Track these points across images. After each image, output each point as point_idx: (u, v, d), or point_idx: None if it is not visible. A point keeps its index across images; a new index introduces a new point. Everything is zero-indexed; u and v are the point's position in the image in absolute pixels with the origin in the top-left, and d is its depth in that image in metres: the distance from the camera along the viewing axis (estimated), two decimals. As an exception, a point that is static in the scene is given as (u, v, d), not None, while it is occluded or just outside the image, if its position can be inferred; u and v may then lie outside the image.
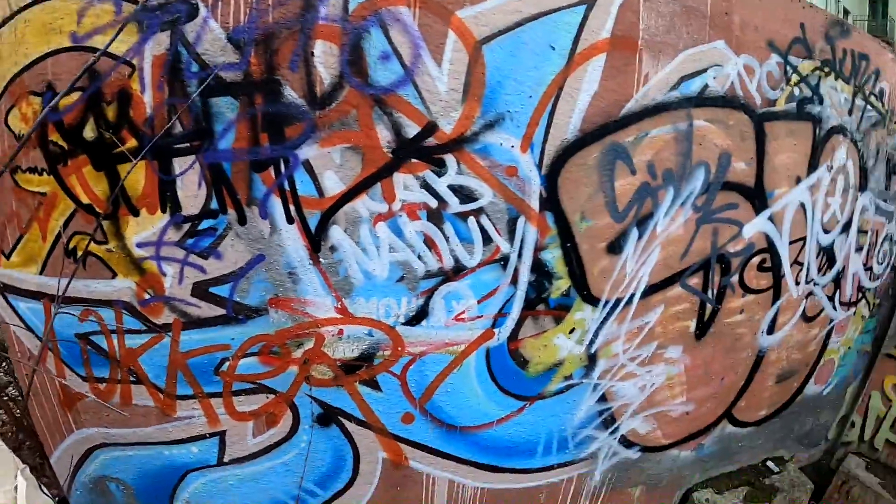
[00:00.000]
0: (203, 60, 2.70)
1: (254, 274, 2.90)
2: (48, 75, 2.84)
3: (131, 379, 3.14)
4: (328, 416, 3.20)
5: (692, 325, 3.48)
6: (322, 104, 2.72)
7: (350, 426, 3.23)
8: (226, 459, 3.33)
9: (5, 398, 4.33)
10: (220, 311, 2.95)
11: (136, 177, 2.80)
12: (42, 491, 2.67)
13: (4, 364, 5.10)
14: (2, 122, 2.98)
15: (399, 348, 3.06)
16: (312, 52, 2.69)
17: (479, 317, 3.07)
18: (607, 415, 3.44)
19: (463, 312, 3.05)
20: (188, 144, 2.76)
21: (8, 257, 3.14)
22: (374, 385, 3.14)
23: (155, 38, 2.70)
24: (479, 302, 3.05)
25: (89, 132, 2.81)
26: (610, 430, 3.49)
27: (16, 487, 2.43)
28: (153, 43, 2.71)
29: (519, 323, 3.14)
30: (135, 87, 2.75)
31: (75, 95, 2.80)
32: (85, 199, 2.89)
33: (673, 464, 3.71)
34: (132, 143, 2.77)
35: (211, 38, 2.68)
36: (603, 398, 3.41)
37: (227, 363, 3.06)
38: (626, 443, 3.59)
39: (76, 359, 3.17)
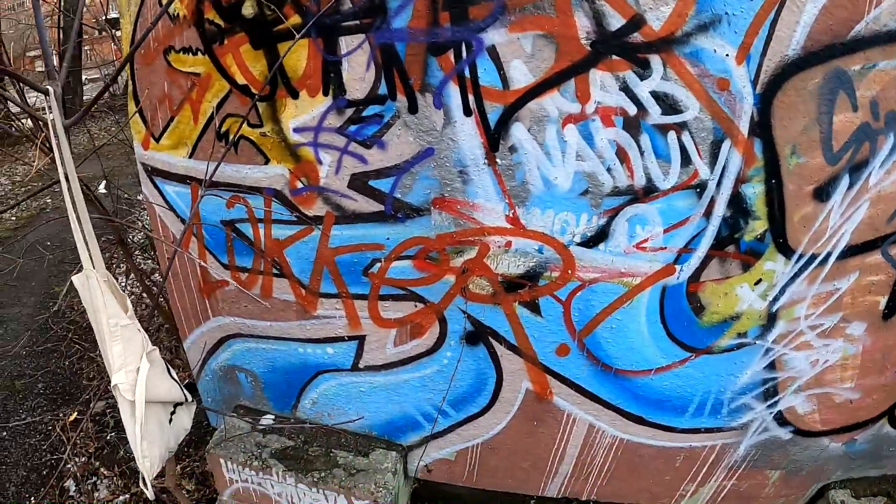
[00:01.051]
0: None
1: (420, 169, 2.60)
2: None
3: (274, 271, 2.99)
4: (478, 335, 2.96)
5: (882, 301, 2.91)
6: None
7: (499, 349, 2.98)
8: (361, 365, 3.18)
9: (149, 283, 4.37)
10: (378, 207, 2.70)
11: (298, 56, 2.51)
12: (170, 375, 2.55)
13: (153, 252, 5.17)
14: (156, 2, 2.74)
15: (569, 271, 2.73)
16: None
17: (662, 248, 2.67)
18: (771, 385, 2.99)
19: (646, 241, 2.66)
20: (357, 22, 2.43)
21: (158, 140, 2.98)
22: (534, 308, 2.84)
23: None
24: (665, 231, 2.64)
25: (248, 9, 2.53)
26: (769, 402, 3.05)
27: (138, 369, 2.30)
28: None
29: (704, 263, 2.71)
30: None
31: None
32: (241, 80, 2.64)
33: (819, 454, 3.25)
34: (295, 19, 2.47)
35: None
36: (772, 365, 2.96)
37: (378, 264, 2.83)
38: (781, 420, 3.13)
39: (220, 245, 3.04)
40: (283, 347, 3.25)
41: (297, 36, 2.39)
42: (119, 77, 2.95)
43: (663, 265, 2.69)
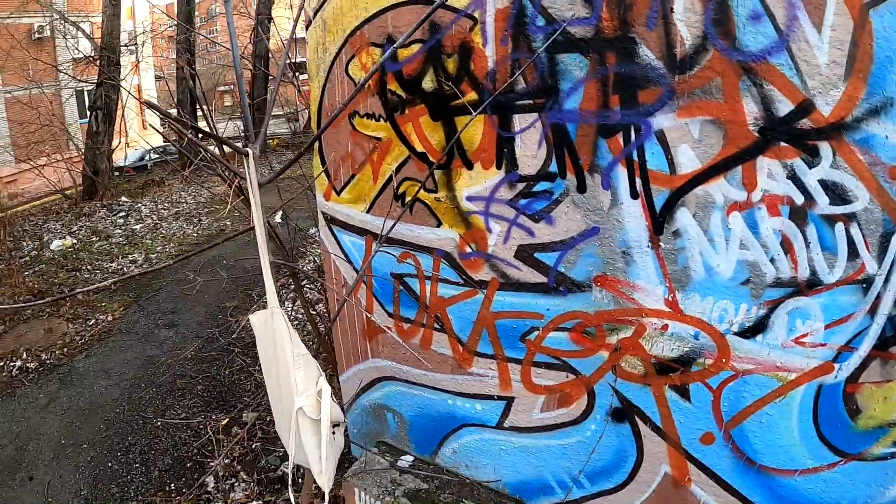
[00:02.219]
0: (550, 14, 2.45)
1: (584, 246, 2.65)
2: (388, 28, 2.82)
3: (436, 326, 3.11)
4: (624, 412, 2.92)
5: None
6: (682, 68, 2.33)
7: (643, 429, 2.92)
8: (506, 424, 3.22)
9: (314, 313, 4.65)
10: (541, 279, 2.76)
11: (474, 130, 2.67)
12: (334, 400, 2.71)
13: (319, 283, 5.52)
14: (343, 70, 3.04)
15: (723, 360, 2.65)
16: (672, 8, 2.30)
17: (822, 345, 2.52)
18: (924, 505, 2.74)
19: (805, 335, 2.53)
20: (531, 101, 2.54)
21: (339, 193, 3.24)
22: (683, 393, 2.78)
23: (499, -9, 2.52)
24: (826, 327, 2.49)
25: (428, 83, 2.75)
26: (919, 521, 2.79)
27: (319, 392, 2.46)
28: None
29: (864, 363, 2.51)
30: (476, 40, 2.60)
31: (415, 47, 2.75)
32: (419, 148, 2.86)
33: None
34: (472, 95, 2.64)
35: (559, -11, 2.43)
36: (928, 482, 2.72)
37: (536, 332, 2.89)
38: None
39: (387, 295, 3.21)
40: (433, 396, 3.36)
41: (475, 113, 2.54)
42: (299, 116, 3.28)
43: (821, 362, 2.52)
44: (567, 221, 2.64)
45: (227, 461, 5.01)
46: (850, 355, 2.49)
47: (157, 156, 22.34)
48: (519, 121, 2.58)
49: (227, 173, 4.22)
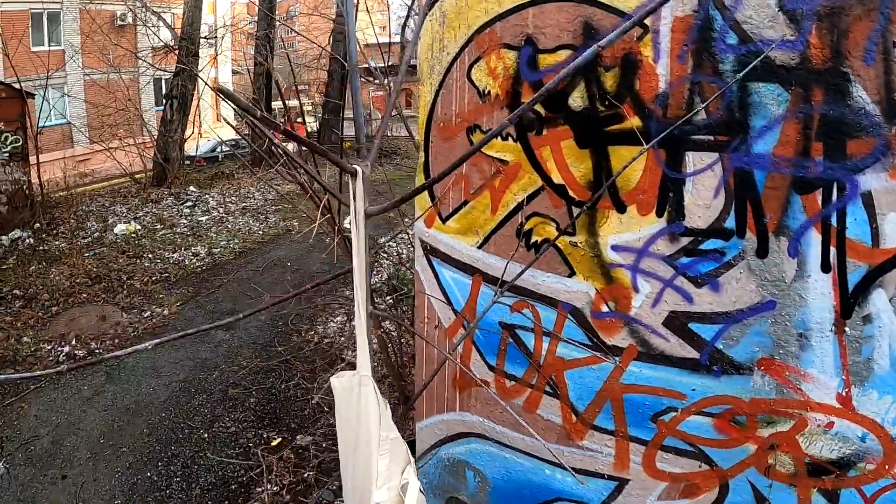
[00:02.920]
0: (744, 31, 1.96)
1: (753, 322, 2.16)
2: (528, 27, 2.33)
3: (547, 389, 2.64)
4: (758, 513, 2.43)
5: None
6: None
7: (781, 534, 2.42)
8: (611, 507, 2.74)
9: (382, 333, 4.24)
10: (692, 354, 2.27)
11: (634, 165, 2.17)
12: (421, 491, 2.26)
13: (387, 295, 5.14)
14: (464, 74, 2.57)
15: (886, 466, 2.17)
16: (895, 43, 1.82)
17: None
18: None
19: None
20: (711, 138, 2.06)
21: (444, 220, 2.76)
22: (832, 498, 2.28)
23: (678, -5, 2.03)
24: None
25: (577, 100, 2.25)
26: None
27: (405, 487, 2.01)
28: (675, 1, 2.04)
29: None
30: (645, 53, 2.11)
31: (563, 54, 2.26)
32: (557, 178, 2.35)
33: None
34: (633, 122, 2.15)
35: (756, 2, 1.94)
36: None
37: (672, 414, 2.40)
38: None
39: (490, 346, 2.76)
40: (527, 462, 2.90)
41: (646, 146, 2.05)
42: (370, 119, 2.83)
43: None
44: (737, 290, 2.15)
45: (275, 489, 4.63)
46: None
47: (228, 148, 22.53)
48: (693, 160, 2.09)
49: (303, 176, 3.86)
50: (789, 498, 2.35)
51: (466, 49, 2.55)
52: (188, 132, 15.63)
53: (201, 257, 9.79)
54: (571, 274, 2.41)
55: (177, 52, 15.80)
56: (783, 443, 2.26)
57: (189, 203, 13.13)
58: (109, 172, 17.58)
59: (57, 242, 10.21)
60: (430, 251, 2.86)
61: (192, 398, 5.90)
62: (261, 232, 11.16)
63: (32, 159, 10.76)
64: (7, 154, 9.95)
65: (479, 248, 2.64)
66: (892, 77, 1.85)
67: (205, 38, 18.15)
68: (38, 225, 10.71)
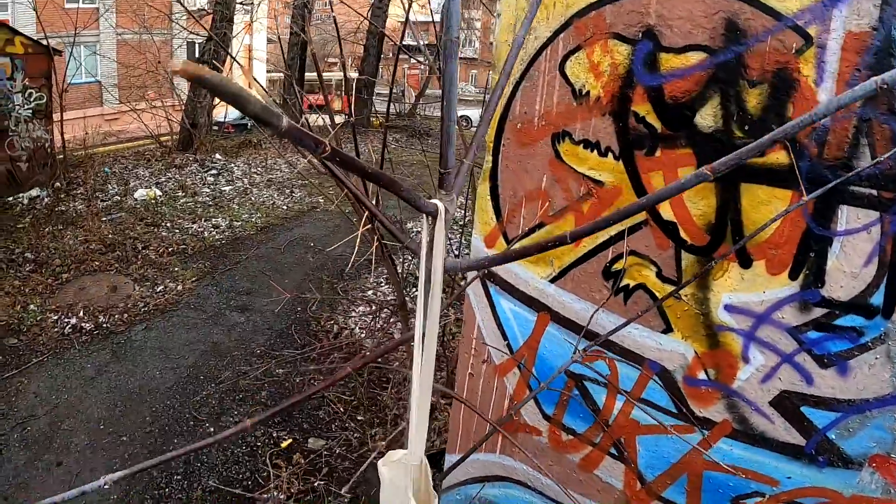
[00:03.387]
0: None
1: (877, 415, 1.77)
2: (649, 16, 1.89)
3: (611, 451, 2.27)
4: None
5: None
6: None
7: None
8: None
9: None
10: (798, 441, 1.89)
11: (768, 209, 1.77)
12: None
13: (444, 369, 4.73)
14: (555, 66, 2.14)
15: None
16: None
17: None
18: None
19: None
20: (874, 192, 1.64)
21: (510, 242, 2.36)
22: None
23: (854, 3, 1.60)
24: None
25: (707, 119, 1.83)
26: None
27: None
28: (849, 11, 1.61)
29: None
30: (805, 71, 1.67)
31: (694, 57, 1.82)
32: (668, 214, 1.94)
33: None
34: (780, 157, 1.74)
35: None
36: None
37: (758, 499, 2.02)
38: None
39: (549, 394, 2.38)
40: (573, 522, 2.55)
41: (803, 200, 1.65)
42: (403, 97, 2.37)
43: None
44: (867, 377, 1.76)
45: (281, 496, 4.30)
46: None
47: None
48: (847, 216, 1.69)
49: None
50: None
51: (562, 35, 2.12)
52: (218, 98, 15.28)
53: (221, 230, 9.45)
54: (667, 330, 2.01)
55: (211, 15, 15.44)
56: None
57: (213, 171, 12.81)
58: (135, 134, 17.30)
59: (75, 204, 9.91)
60: (488, 276, 2.48)
61: (201, 386, 5.56)
62: (285, 207, 10.80)
63: (57, 117, 10.47)
64: (30, 111, 9.67)
65: (552, 281, 2.25)
66: None
67: (241, 3, 17.79)
68: (57, 185, 10.43)
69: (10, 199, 9.60)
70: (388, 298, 7.06)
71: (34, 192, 9.93)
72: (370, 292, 7.45)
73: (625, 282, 2.04)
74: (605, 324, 2.10)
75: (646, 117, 1.94)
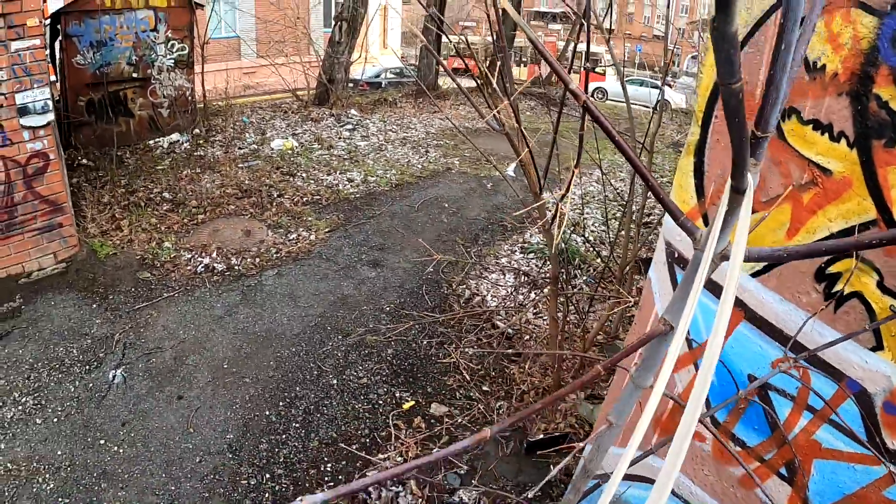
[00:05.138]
0: None
1: None
2: None
3: (781, 472, 2.10)
4: None
5: None
6: None
7: None
8: None
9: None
10: None
11: None
12: None
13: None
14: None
15: None
16: None
17: None
18: None
19: None
20: None
21: (708, 224, 2.18)
22: None
23: None
24: None
25: None
26: None
27: None
28: None
29: None
30: None
31: None
32: None
33: None
34: None
35: None
36: None
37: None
38: None
39: (722, 396, 2.22)
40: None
41: None
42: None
43: None
44: None
45: (399, 459, 4.33)
46: None
47: (393, 76, 22.48)
48: None
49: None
50: None
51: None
52: (355, 55, 15.48)
53: (356, 184, 9.58)
54: (877, 348, 1.81)
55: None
56: None
57: (349, 126, 12.99)
58: (273, 87, 17.82)
59: (213, 150, 10.28)
60: (677, 260, 2.32)
61: (327, 337, 5.67)
62: (420, 166, 10.82)
63: (198, 68, 10.92)
64: (172, 61, 10.12)
65: (755, 276, 2.07)
66: None
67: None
68: (196, 131, 10.85)
69: (151, 142, 10.10)
70: (524, 268, 6.96)
71: (174, 137, 10.38)
72: (504, 259, 7.37)
73: (839, 287, 1.85)
74: (807, 330, 1.91)
75: (889, 102, 1.69)
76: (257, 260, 6.96)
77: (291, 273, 6.76)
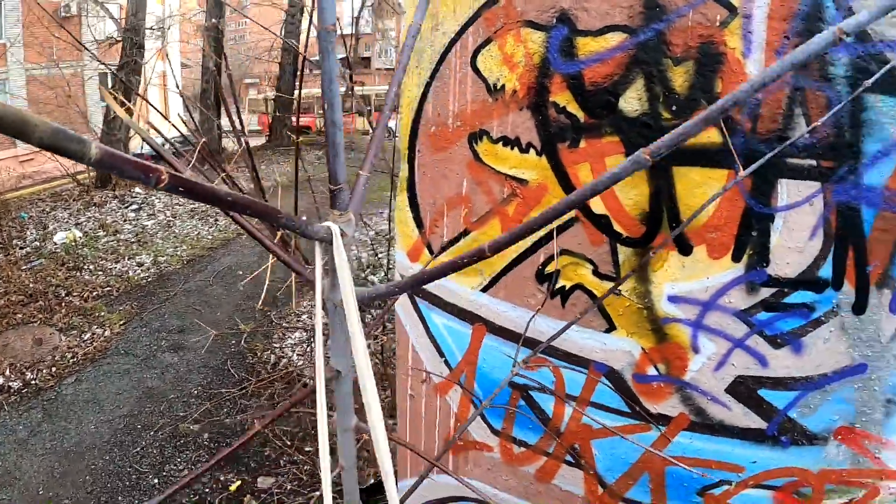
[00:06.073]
0: (865, 30, 1.45)
1: (837, 388, 1.70)
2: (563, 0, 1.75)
3: (567, 459, 2.13)
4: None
5: None
6: None
7: None
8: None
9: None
10: (759, 424, 1.79)
11: (706, 194, 1.66)
12: None
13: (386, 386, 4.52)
14: (466, 62, 1.98)
15: None
16: None
17: None
18: None
19: None
20: (813, 163, 1.56)
21: (435, 254, 2.20)
22: None
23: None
24: None
25: (633, 102, 1.70)
26: None
27: None
28: None
29: None
30: (731, 44, 1.57)
31: (614, 38, 1.69)
32: (598, 208, 1.81)
33: None
34: (712, 136, 1.63)
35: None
36: None
37: (725, 487, 1.92)
38: None
39: (494, 408, 2.23)
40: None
41: (741, 175, 1.54)
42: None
43: None
44: (823, 352, 1.67)
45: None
46: None
47: (179, 144, 21.59)
48: (787, 190, 1.58)
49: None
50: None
51: (471, 28, 1.96)
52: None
53: (146, 267, 9.06)
54: (610, 329, 1.88)
55: (121, 43, 14.91)
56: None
57: (134, 206, 12.32)
58: (52, 174, 16.60)
59: (-9, 254, 9.38)
60: (416, 291, 2.32)
61: (139, 437, 5.24)
62: (210, 237, 10.43)
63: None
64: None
65: (484, 291, 2.10)
66: None
67: (150, 28, 17.24)
68: (-29, 236, 9.87)
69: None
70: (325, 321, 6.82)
71: (-53, 246, 9.38)
72: (304, 317, 7.20)
73: (560, 283, 1.90)
74: (544, 329, 1.97)
75: (566, 107, 1.80)
76: (53, 369, 6.36)
77: (91, 376, 6.23)
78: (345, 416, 1.20)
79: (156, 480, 4.70)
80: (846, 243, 1.57)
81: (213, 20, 15.58)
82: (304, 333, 6.62)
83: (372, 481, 4.22)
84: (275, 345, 6.59)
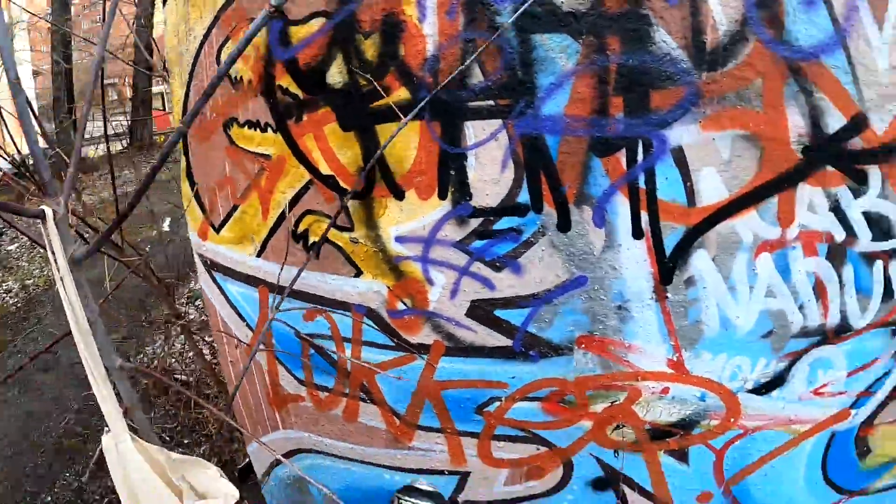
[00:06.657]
0: None
1: (564, 301, 2.00)
2: None
3: (362, 396, 2.39)
4: (608, 482, 2.34)
5: None
6: (712, 63, 1.70)
7: (630, 495, 2.36)
8: (459, 499, 2.58)
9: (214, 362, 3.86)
10: (505, 342, 2.09)
11: (405, 143, 1.92)
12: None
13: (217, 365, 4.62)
14: (214, 60, 2.20)
15: (731, 419, 2.14)
16: None
17: (841, 393, 2.10)
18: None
19: (825, 385, 2.08)
20: (492, 103, 1.83)
21: (218, 230, 2.41)
22: (681, 457, 2.25)
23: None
24: (849, 374, 2.06)
25: (336, 76, 1.95)
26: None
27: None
28: None
29: (882, 405, 2.14)
30: (409, 12, 1.83)
31: (315, 23, 1.93)
32: (325, 169, 2.06)
33: None
34: (401, 94, 1.88)
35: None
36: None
37: (497, 403, 2.23)
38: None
39: (295, 360, 2.47)
40: (365, 471, 2.67)
41: (405, 119, 1.79)
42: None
43: (838, 410, 2.14)
44: (541, 270, 1.97)
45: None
46: (868, 400, 2.15)
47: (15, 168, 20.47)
48: (474, 130, 1.85)
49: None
50: (637, 463, 2.29)
51: (214, 30, 2.17)
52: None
53: (14, 293, 8.75)
54: (358, 273, 2.15)
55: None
56: (620, 414, 2.17)
57: (-7, 232, 11.76)
58: None
59: None
60: (211, 266, 2.51)
61: (27, 459, 5.20)
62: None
63: None
64: None
65: (258, 256, 2.32)
66: (699, 19, 1.68)
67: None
68: None
69: None
70: (192, 318, 6.87)
71: None
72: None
73: (312, 239, 2.14)
74: (312, 282, 2.20)
75: (289, 88, 2.04)
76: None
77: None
78: (108, 357, 1.45)
79: (49, 499, 4.70)
80: (537, 170, 1.86)
81: (60, 23, 14.85)
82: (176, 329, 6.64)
83: (248, 460, 4.39)
84: (147, 348, 6.59)
